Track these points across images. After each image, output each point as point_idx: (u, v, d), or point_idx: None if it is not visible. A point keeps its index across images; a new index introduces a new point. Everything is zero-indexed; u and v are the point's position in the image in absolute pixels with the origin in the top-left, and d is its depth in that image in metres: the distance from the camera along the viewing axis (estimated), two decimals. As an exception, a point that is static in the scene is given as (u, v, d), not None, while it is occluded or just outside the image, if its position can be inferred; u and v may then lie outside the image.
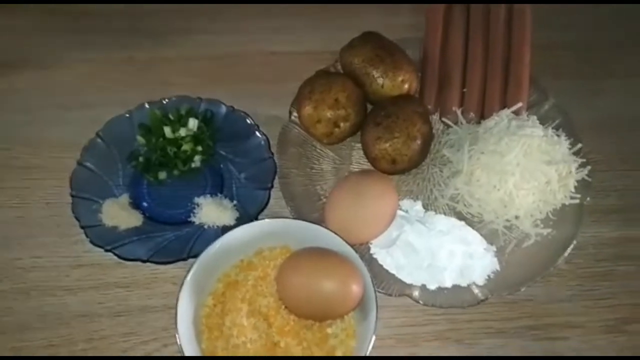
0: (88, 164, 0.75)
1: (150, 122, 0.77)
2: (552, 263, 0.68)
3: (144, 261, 0.67)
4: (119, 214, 0.72)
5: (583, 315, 0.69)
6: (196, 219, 0.73)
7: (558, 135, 0.74)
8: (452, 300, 0.67)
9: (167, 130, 0.76)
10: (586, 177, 0.73)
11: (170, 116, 0.77)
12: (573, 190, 0.73)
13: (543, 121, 0.76)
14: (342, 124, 0.74)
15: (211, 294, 0.64)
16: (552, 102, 0.80)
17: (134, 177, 0.77)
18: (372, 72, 0.75)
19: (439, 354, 0.66)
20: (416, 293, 0.67)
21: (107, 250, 0.68)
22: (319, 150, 0.79)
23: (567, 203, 0.73)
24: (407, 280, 0.67)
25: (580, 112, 0.81)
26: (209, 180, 0.77)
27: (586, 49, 0.92)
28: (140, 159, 0.76)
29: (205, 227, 0.72)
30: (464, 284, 0.67)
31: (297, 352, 0.60)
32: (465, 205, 0.74)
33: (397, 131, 0.71)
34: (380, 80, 0.75)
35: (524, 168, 0.70)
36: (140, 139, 0.77)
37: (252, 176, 0.76)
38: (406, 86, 0.76)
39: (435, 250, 0.67)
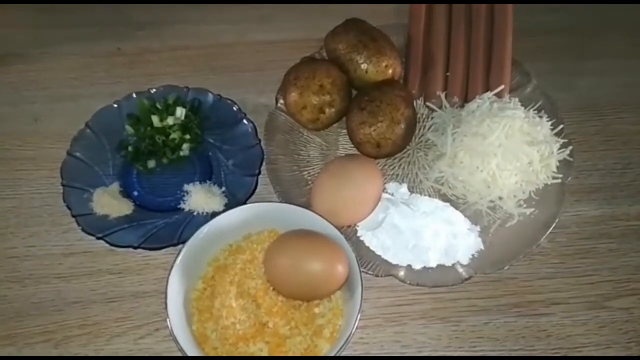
0: (78, 155, 0.76)
1: (138, 112, 0.78)
2: (535, 242, 0.69)
3: (135, 248, 0.68)
4: (109, 202, 0.72)
5: (566, 292, 0.70)
6: (186, 206, 0.74)
7: (540, 117, 0.75)
8: (437, 280, 0.67)
9: (156, 120, 0.77)
10: (568, 158, 0.74)
11: (158, 106, 0.78)
12: (555, 170, 0.73)
13: (526, 103, 0.77)
14: (327, 110, 0.75)
15: (201, 278, 0.65)
16: (535, 84, 0.81)
17: (124, 167, 0.77)
18: (357, 58, 0.76)
19: (425, 332, 0.67)
20: (402, 273, 0.68)
21: (99, 238, 0.69)
22: (306, 137, 0.80)
23: (549, 183, 0.73)
24: (393, 261, 0.68)
25: (563, 94, 0.82)
26: (197, 168, 0.78)
27: (568, 33, 0.93)
28: (130, 148, 0.77)
29: (195, 213, 0.73)
30: (448, 263, 0.68)
31: (286, 332, 0.61)
32: (450, 187, 0.75)
33: (381, 116, 0.72)
34: (364, 66, 0.76)
35: (507, 149, 0.71)
36: (129, 129, 0.78)
37: (240, 163, 0.77)
38: (390, 72, 0.76)
39: (420, 231, 0.68)
